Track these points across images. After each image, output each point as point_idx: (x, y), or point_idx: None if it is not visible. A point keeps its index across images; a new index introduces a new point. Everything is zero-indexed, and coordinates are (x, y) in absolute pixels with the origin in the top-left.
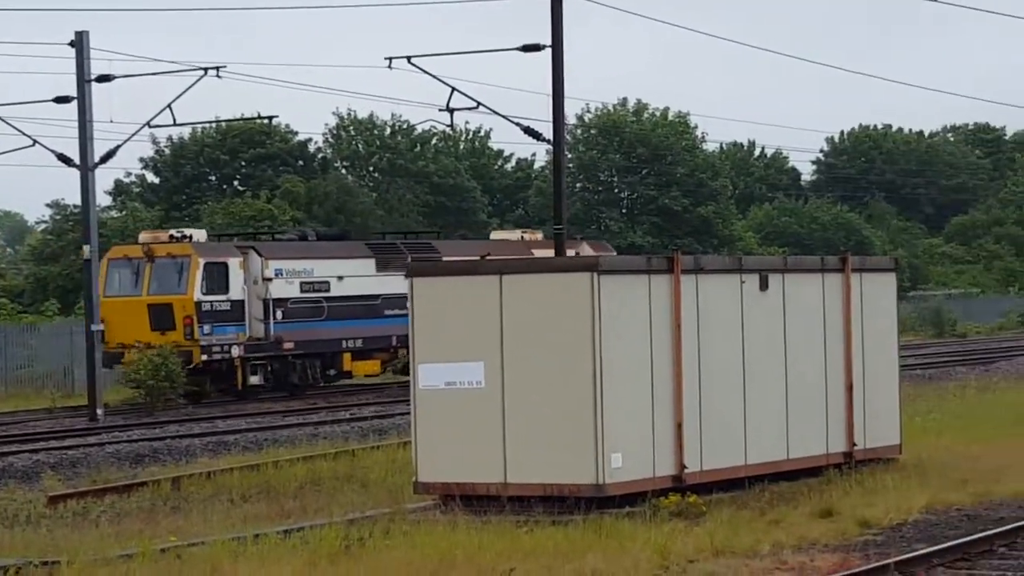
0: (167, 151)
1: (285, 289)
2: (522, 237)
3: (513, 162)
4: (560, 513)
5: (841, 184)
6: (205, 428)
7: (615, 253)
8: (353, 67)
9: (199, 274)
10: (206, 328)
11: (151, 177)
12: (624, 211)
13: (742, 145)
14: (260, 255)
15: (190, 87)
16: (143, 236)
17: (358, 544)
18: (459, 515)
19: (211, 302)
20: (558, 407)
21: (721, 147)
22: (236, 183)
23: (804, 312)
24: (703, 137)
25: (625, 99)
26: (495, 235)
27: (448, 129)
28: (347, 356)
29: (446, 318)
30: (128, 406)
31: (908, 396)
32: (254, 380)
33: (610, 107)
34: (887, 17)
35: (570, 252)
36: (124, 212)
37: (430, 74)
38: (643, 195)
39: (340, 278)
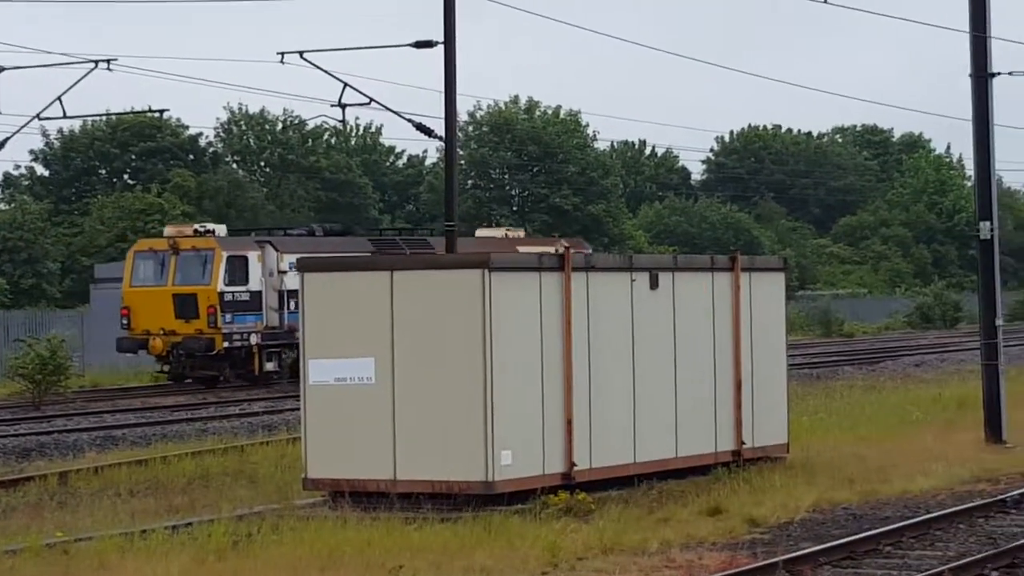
0: (57, 144)
1: (298, 281)
2: (506, 235)
3: (405, 158)
4: (450, 510)
5: (731, 184)
6: (93, 423)
7: (590, 251)
8: (245, 62)
9: (222, 266)
10: (228, 317)
11: (41, 170)
12: (515, 209)
13: (633, 144)
14: (276, 249)
15: (80, 79)
16: (168, 230)
17: (246, 540)
18: (348, 512)
19: (232, 293)
20: (448, 404)
21: (612, 146)
22: (126, 177)
23: (694, 311)
24: (594, 136)
25: (517, 97)
26: (480, 232)
27: (340, 125)
28: None
29: (337, 314)
30: (15, 401)
31: (796, 395)
32: (269, 366)
33: (502, 104)
34: (778, 18)
35: (549, 249)
36: (13, 205)
37: (322, 69)
38: (534, 193)
39: None
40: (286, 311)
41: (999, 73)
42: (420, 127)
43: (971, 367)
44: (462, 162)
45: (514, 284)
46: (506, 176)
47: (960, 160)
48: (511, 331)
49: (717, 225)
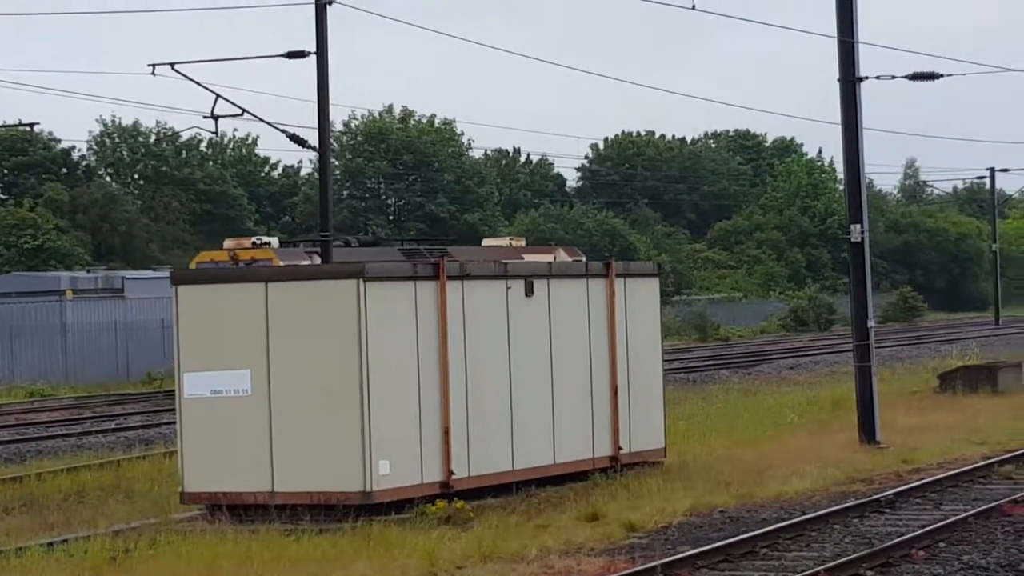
0: None
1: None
2: (510, 243)
3: (280, 169)
4: (328, 521)
5: (605, 190)
6: None
7: (583, 258)
8: (117, 74)
9: None
10: None
11: None
12: (391, 217)
13: (507, 152)
14: (320, 259)
15: None
16: (228, 243)
17: (124, 556)
18: (226, 525)
19: None
20: (326, 415)
21: (487, 154)
22: None
23: (569, 317)
24: (469, 144)
25: (391, 106)
26: (486, 242)
27: (213, 136)
28: None
29: (212, 326)
30: None
31: (672, 400)
32: None
33: (377, 114)
34: (651, 24)
35: (548, 257)
36: None
37: (194, 81)
38: (410, 201)
39: None
40: None
41: (867, 77)
42: (294, 138)
43: (844, 369)
44: (337, 172)
45: (389, 293)
46: (381, 185)
47: (832, 164)
48: (387, 341)
49: (593, 231)
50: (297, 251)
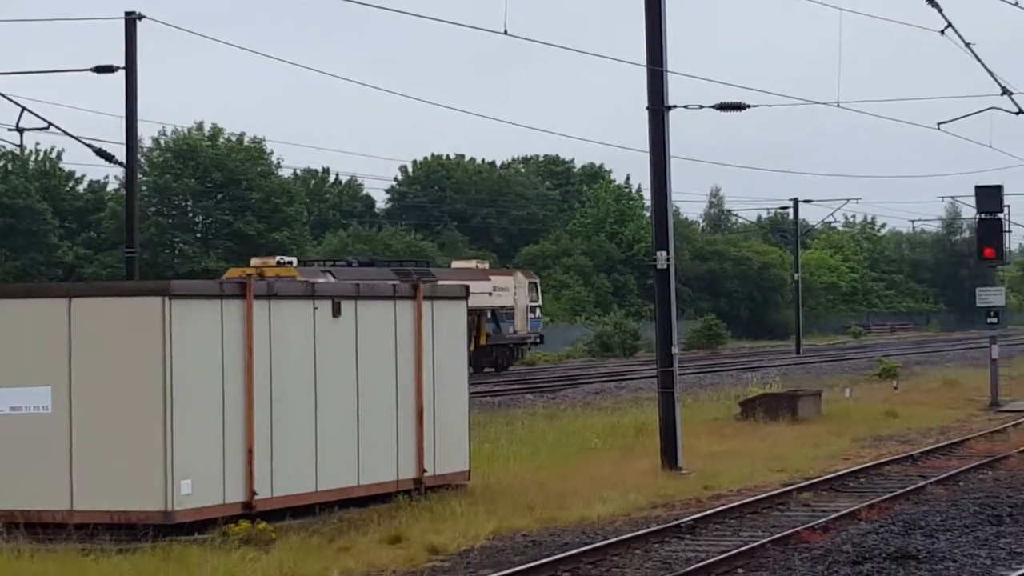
0: None
1: None
2: (476, 265)
3: (86, 184)
4: (129, 541)
5: (414, 212)
6: None
7: (537, 280)
8: None
9: None
10: None
11: None
12: (199, 235)
13: (317, 172)
14: (335, 278)
15: None
16: (255, 261)
17: None
18: (23, 543)
19: None
20: (127, 433)
21: (296, 173)
22: None
23: (376, 339)
24: (278, 163)
25: (201, 123)
26: (455, 264)
27: (17, 150)
28: None
29: (12, 342)
30: None
31: (478, 423)
32: None
33: (186, 131)
34: (463, 49)
35: (508, 279)
36: None
37: None
38: (218, 220)
39: None
40: None
41: (675, 106)
42: (100, 153)
43: (648, 394)
44: (144, 188)
45: (195, 312)
46: (189, 203)
47: (639, 191)
48: (192, 359)
49: (401, 253)
50: (314, 269)
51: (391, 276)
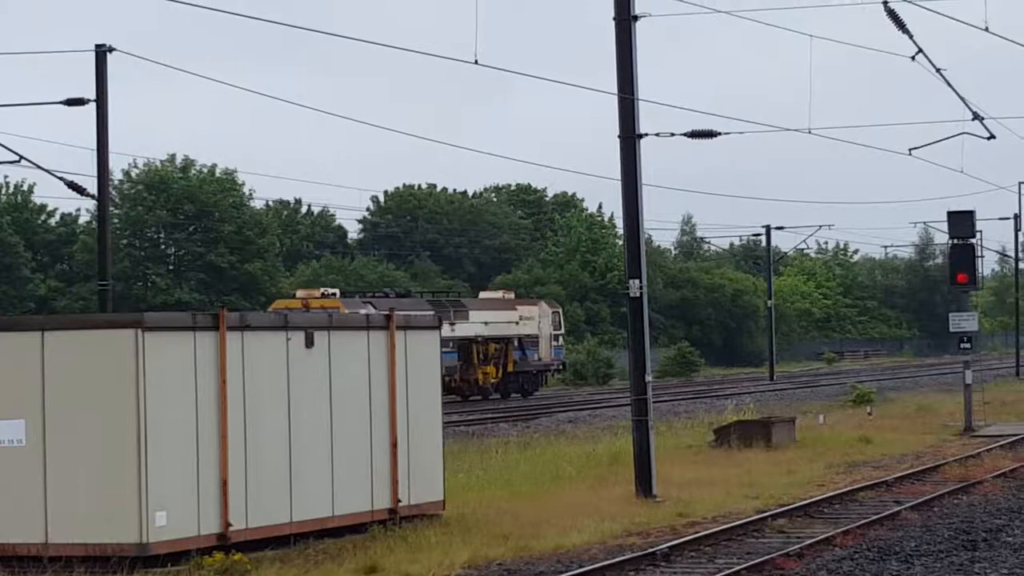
0: None
1: None
2: (503, 296)
3: (58, 217)
4: (104, 573)
5: (387, 242)
6: None
7: (560, 310)
8: None
9: None
10: None
11: None
12: (171, 267)
13: (289, 203)
14: (375, 308)
15: None
16: (300, 293)
17: None
18: None
19: None
20: (102, 465)
21: (268, 204)
22: None
23: (350, 369)
24: (250, 194)
25: (173, 155)
26: (483, 295)
27: None
28: None
29: None
30: None
31: (451, 453)
32: None
33: (158, 163)
34: (435, 78)
35: (533, 309)
36: None
37: None
38: (190, 251)
39: None
40: None
41: (647, 134)
42: (72, 185)
43: (623, 422)
44: (116, 221)
45: (168, 344)
46: (161, 235)
47: (612, 219)
48: (165, 391)
49: (374, 284)
50: (356, 300)
51: (424, 306)
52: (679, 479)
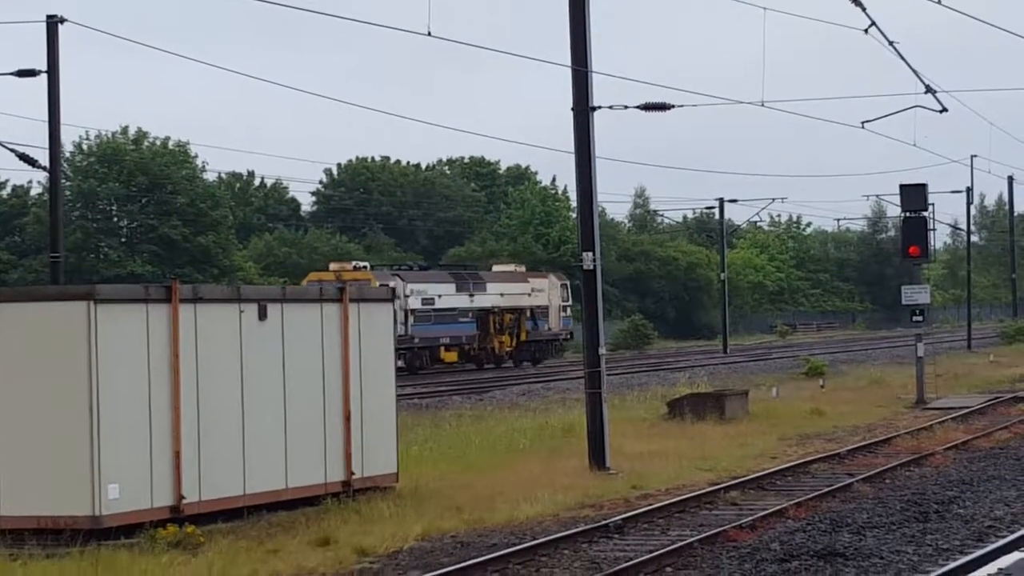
0: None
1: (416, 303)
2: (515, 268)
3: (9, 189)
4: (56, 546)
5: (340, 215)
6: None
7: (568, 283)
8: None
9: None
10: None
11: None
12: (123, 240)
13: (242, 175)
14: (403, 280)
15: None
16: (333, 265)
17: None
18: None
19: None
20: (53, 438)
21: (220, 177)
22: None
23: (303, 342)
24: (203, 166)
25: (126, 127)
26: (496, 268)
27: None
28: (441, 349)
29: None
30: None
31: (405, 425)
32: (399, 363)
33: (110, 135)
34: (388, 50)
35: (543, 282)
36: None
37: None
38: (143, 224)
39: (440, 296)
40: (410, 323)
41: (600, 107)
42: (23, 157)
43: (576, 395)
44: (68, 193)
45: (121, 316)
46: (114, 207)
47: (565, 192)
48: (118, 363)
49: (327, 256)
50: (385, 273)
51: (446, 278)
52: (632, 451)
